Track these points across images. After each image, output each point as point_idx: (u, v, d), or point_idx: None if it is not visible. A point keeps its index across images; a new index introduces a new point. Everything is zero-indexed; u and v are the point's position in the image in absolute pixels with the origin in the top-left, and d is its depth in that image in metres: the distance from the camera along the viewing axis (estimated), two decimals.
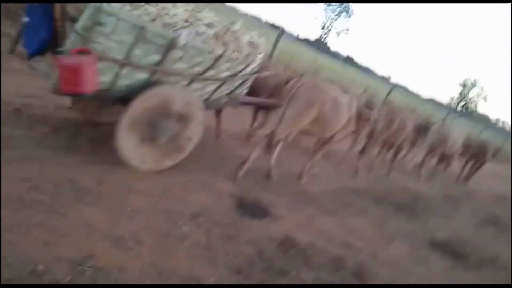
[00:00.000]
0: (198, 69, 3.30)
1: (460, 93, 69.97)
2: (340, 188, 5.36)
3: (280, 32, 8.87)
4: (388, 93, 14.94)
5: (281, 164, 4.91)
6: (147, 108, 3.11)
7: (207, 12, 3.52)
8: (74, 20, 2.66)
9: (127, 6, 2.72)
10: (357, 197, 5.25)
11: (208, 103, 3.74)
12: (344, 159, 6.75)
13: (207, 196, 3.43)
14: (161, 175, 3.40)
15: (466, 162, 9.80)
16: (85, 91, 2.63)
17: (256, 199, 3.80)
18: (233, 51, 3.34)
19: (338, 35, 76.57)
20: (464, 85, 69.24)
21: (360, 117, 4.99)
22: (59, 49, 2.58)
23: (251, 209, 3.58)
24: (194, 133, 3.60)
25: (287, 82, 4.77)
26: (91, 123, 3.82)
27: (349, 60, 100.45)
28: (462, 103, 69.39)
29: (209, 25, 3.21)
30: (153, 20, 2.81)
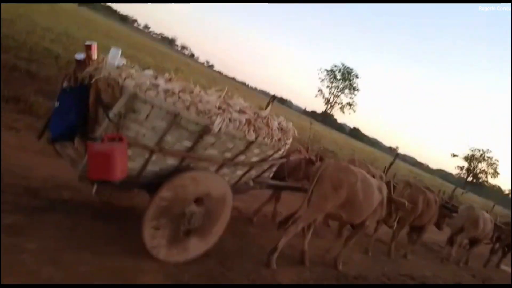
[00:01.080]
0: (229, 154, 3.20)
1: (469, 166, 69.03)
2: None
3: (271, 98, 8.94)
4: (391, 164, 14.90)
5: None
6: (175, 195, 2.96)
7: (238, 98, 3.51)
8: (107, 106, 2.62)
9: (161, 94, 2.69)
10: None
11: (235, 188, 3.59)
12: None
13: None
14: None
15: (494, 245, 9.31)
16: (115, 178, 2.50)
17: None
18: (264, 137, 3.27)
19: (342, 110, 78.85)
20: (471, 158, 68.52)
21: (394, 204, 4.80)
22: (92, 135, 2.51)
23: None
24: (223, 220, 3.42)
25: (308, 162, 4.67)
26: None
27: (355, 132, 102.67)
28: (470, 176, 68.27)
29: (240, 111, 3.17)
30: (187, 107, 2.76)
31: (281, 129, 3.52)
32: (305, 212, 3.98)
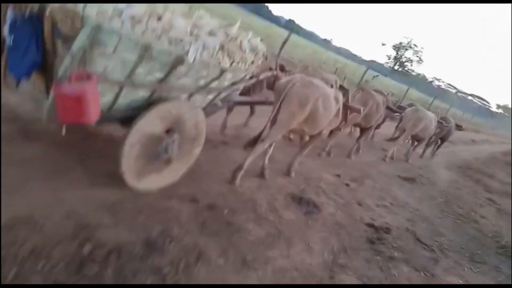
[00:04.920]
0: (202, 82, 3.05)
1: (396, 55, 71.50)
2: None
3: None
4: (362, 76, 15.49)
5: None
6: (151, 129, 2.86)
7: (206, 16, 3.23)
8: (66, 39, 2.30)
9: (127, 22, 2.40)
10: None
11: (206, 111, 3.51)
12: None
13: None
14: None
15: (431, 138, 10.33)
16: (90, 120, 2.33)
17: None
18: (238, 62, 3.11)
19: None
20: (399, 47, 70.78)
21: (349, 110, 4.98)
22: (58, 74, 2.23)
23: None
24: (197, 145, 3.41)
25: (276, 78, 4.61)
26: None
27: (290, 24, 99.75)
28: (397, 64, 71.17)
29: (211, 33, 2.94)
30: (158, 36, 2.50)
31: (252, 49, 3.35)
32: (272, 130, 4.04)
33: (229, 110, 5.38)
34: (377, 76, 19.40)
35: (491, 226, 6.33)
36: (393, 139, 8.78)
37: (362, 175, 6.38)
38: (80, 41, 2.19)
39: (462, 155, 14.65)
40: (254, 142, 3.96)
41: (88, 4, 2.30)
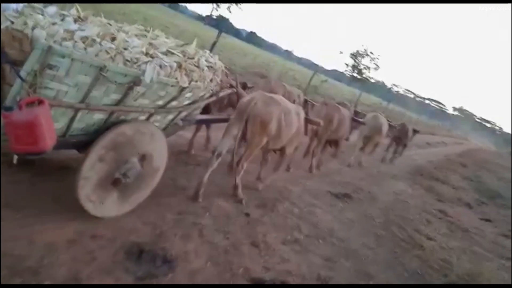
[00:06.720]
0: (160, 102, 3.01)
1: (354, 63, 73.70)
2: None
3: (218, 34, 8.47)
4: (310, 81, 15.71)
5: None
6: (108, 152, 2.77)
7: (161, 36, 3.21)
8: (15, 64, 2.21)
9: (80, 44, 2.34)
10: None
11: (166, 132, 3.45)
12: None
13: None
14: None
15: (391, 143, 10.70)
16: (45, 148, 2.22)
17: None
18: (196, 81, 3.10)
19: (229, 10, 74.71)
20: (356, 55, 72.93)
21: (310, 123, 5.07)
22: (6, 104, 2.13)
23: None
24: (158, 168, 3.34)
25: (237, 95, 4.64)
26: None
27: (252, 36, 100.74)
28: (356, 72, 73.34)
29: (168, 52, 2.92)
30: (112, 57, 2.45)
31: (210, 67, 3.36)
32: (246, 152, 4.23)
33: (197, 130, 5.36)
34: (325, 81, 19.21)
35: (439, 250, 5.12)
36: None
37: (276, 197, 4.96)
38: (30, 65, 2.11)
39: (415, 159, 13.83)
40: (231, 166, 4.17)
41: (37, 26, 2.24)
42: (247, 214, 4.13)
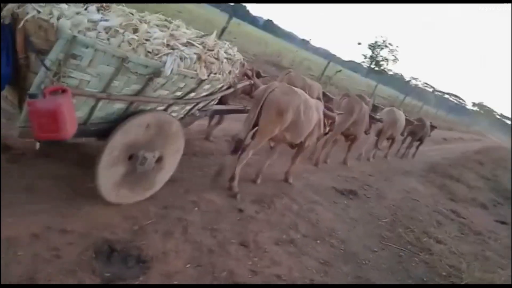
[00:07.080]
0: (179, 93, 3.04)
1: (372, 54, 72.33)
2: None
3: None
4: (323, 71, 15.49)
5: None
6: (127, 142, 2.84)
7: (182, 27, 3.22)
8: (41, 52, 2.26)
9: (103, 34, 2.37)
10: None
11: (183, 122, 3.50)
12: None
13: None
14: None
15: (406, 138, 10.58)
16: (67, 136, 2.29)
17: None
18: (216, 73, 3.12)
19: None
20: (374, 46, 71.64)
21: (325, 117, 5.05)
22: (31, 91, 2.18)
23: None
24: (174, 158, 3.40)
25: (253, 86, 4.64)
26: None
27: (269, 24, 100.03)
28: (373, 63, 71.95)
29: (188, 44, 2.94)
30: (134, 48, 2.49)
31: (229, 59, 3.36)
32: (255, 140, 4.13)
33: (211, 119, 5.39)
34: (340, 71, 18.53)
35: (449, 255, 4.80)
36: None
37: (275, 192, 4.67)
38: (54, 54, 2.15)
39: (429, 156, 13.22)
40: (237, 148, 3.94)
41: (62, 15, 2.28)
42: (240, 210, 3.83)
